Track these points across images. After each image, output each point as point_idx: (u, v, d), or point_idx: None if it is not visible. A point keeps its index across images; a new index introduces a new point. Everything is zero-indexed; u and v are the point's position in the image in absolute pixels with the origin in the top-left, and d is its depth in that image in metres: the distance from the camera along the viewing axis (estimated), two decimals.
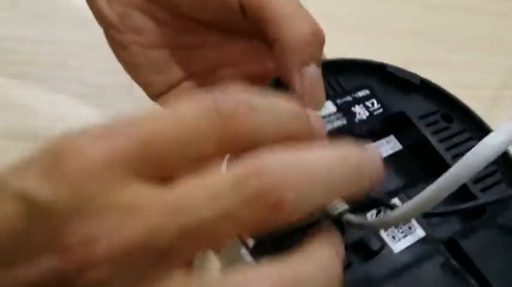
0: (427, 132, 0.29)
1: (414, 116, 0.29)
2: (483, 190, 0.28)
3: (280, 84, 0.27)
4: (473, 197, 0.27)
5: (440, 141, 0.29)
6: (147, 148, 0.16)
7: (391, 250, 0.24)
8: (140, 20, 0.30)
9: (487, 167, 0.29)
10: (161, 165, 0.17)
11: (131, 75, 0.32)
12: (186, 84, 0.32)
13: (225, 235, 0.17)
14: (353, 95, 0.29)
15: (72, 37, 0.45)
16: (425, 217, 0.26)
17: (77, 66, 0.43)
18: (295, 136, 0.19)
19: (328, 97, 0.28)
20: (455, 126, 0.30)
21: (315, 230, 0.19)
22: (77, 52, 0.44)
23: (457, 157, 0.28)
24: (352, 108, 0.28)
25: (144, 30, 0.30)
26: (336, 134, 0.27)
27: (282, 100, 0.19)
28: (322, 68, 0.27)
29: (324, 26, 0.27)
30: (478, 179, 0.28)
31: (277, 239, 0.19)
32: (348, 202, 0.20)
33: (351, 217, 0.20)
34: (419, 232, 0.26)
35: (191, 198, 0.16)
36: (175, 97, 0.32)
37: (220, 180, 0.16)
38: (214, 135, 0.17)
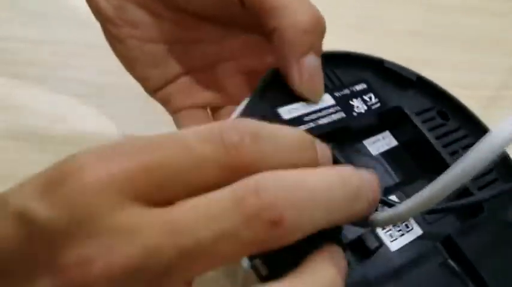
0: (424, 129, 0.29)
1: (411, 112, 0.29)
2: (480, 188, 0.28)
3: (278, 75, 0.27)
4: (470, 195, 0.27)
5: (437, 138, 0.29)
6: (149, 173, 0.16)
7: (388, 249, 0.24)
8: (136, 13, 0.30)
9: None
10: (162, 190, 0.17)
11: (128, 70, 0.31)
12: (184, 79, 0.32)
13: (225, 255, 0.16)
14: (351, 89, 0.28)
15: (72, 37, 0.45)
16: (423, 214, 0.26)
17: (77, 66, 0.43)
18: (300, 166, 0.18)
19: (326, 89, 0.27)
20: (451, 124, 0.30)
21: (317, 248, 0.19)
22: (77, 52, 0.44)
23: (454, 154, 0.28)
24: (350, 102, 0.28)
25: (140, 24, 0.30)
26: (334, 128, 0.26)
27: (289, 129, 0.19)
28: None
29: None
30: (475, 177, 0.28)
31: (280, 255, 0.18)
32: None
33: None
34: (417, 230, 0.26)
35: (190, 218, 0.16)
36: (173, 92, 0.31)
37: (219, 199, 0.16)
38: (218, 165, 0.17)
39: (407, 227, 0.26)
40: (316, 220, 0.17)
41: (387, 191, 0.27)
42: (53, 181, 0.16)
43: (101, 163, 0.16)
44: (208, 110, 0.33)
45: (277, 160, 0.18)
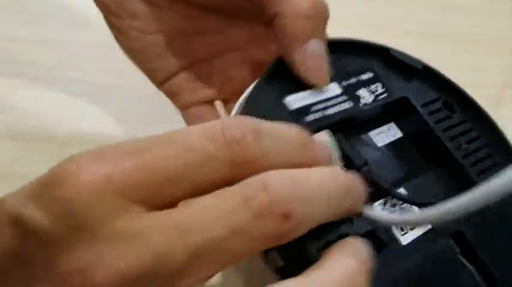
0: (431, 121, 0.28)
1: (418, 103, 0.29)
2: (480, 173, 0.28)
3: (283, 65, 0.26)
4: (471, 181, 0.27)
5: (444, 130, 0.28)
6: (150, 173, 0.16)
7: (399, 242, 0.24)
8: (137, 4, 0.29)
9: (482, 150, 0.29)
10: (164, 191, 0.16)
11: (133, 62, 0.31)
12: (189, 71, 0.31)
13: (237, 253, 0.16)
14: (357, 78, 0.28)
15: (72, 37, 0.45)
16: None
17: (77, 66, 0.43)
18: (300, 164, 0.19)
19: (333, 78, 0.27)
20: (457, 116, 0.30)
21: (338, 242, 0.20)
22: (77, 52, 0.44)
23: (460, 147, 0.28)
24: (357, 91, 0.27)
25: (139, 14, 0.30)
26: (340, 119, 0.26)
27: (288, 128, 0.19)
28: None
29: None
30: (473, 163, 0.28)
31: (295, 247, 0.19)
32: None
33: (379, 213, 0.21)
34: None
35: (200, 219, 0.16)
36: (179, 85, 0.31)
37: (228, 198, 0.16)
38: (221, 163, 0.17)
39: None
40: (319, 214, 0.18)
41: (396, 183, 0.26)
42: (48, 184, 0.16)
43: (99, 164, 0.16)
44: (221, 103, 0.32)
45: (278, 158, 0.18)
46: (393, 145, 0.28)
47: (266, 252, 0.21)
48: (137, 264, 0.15)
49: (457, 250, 0.25)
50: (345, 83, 0.27)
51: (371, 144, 0.28)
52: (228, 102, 0.32)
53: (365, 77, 0.28)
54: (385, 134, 0.28)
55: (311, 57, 0.25)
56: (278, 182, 0.17)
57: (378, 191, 0.25)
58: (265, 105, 0.24)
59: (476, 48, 0.52)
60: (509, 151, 0.29)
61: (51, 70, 0.42)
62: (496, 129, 0.30)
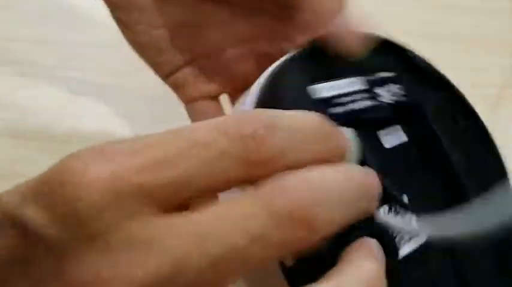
0: (439, 131, 0.28)
1: (429, 111, 0.28)
2: (474, 189, 0.28)
3: (308, 52, 0.25)
4: (461, 185, 0.27)
5: (452, 142, 0.28)
6: (161, 172, 0.15)
7: (397, 254, 0.24)
8: None
9: (479, 164, 0.29)
10: (176, 191, 0.15)
11: (139, 56, 0.31)
12: (195, 65, 0.31)
13: (257, 260, 0.16)
14: (380, 75, 0.27)
15: (72, 37, 0.45)
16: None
17: (77, 66, 0.43)
18: (320, 158, 0.18)
19: (358, 72, 0.26)
20: (460, 127, 0.29)
21: (355, 242, 0.19)
22: (77, 52, 0.44)
23: (460, 160, 0.28)
24: (377, 90, 0.26)
25: (145, 8, 0.29)
26: (360, 116, 0.25)
27: (308, 120, 0.18)
28: None
29: None
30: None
31: (316, 255, 0.18)
32: None
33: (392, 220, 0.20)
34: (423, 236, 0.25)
35: (218, 225, 0.15)
36: (184, 78, 0.31)
37: (246, 202, 0.16)
38: (235, 159, 0.16)
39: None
40: (340, 217, 0.17)
41: (400, 190, 0.26)
42: (51, 183, 0.15)
43: (107, 161, 0.15)
44: (227, 97, 0.32)
45: (296, 153, 0.17)
46: (398, 148, 0.28)
47: None
48: (155, 272, 0.14)
49: (449, 270, 0.25)
50: (368, 79, 0.26)
51: (379, 144, 0.27)
52: (233, 97, 0.32)
53: (387, 75, 0.28)
54: (392, 136, 0.28)
55: (346, 26, 0.25)
56: (298, 185, 0.16)
57: (384, 197, 0.24)
58: (286, 91, 0.24)
59: (476, 48, 0.52)
60: (501, 168, 0.29)
61: (51, 70, 0.42)
62: (494, 148, 0.30)
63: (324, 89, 0.24)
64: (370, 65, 0.27)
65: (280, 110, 0.18)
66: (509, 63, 0.50)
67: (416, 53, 0.30)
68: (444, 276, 0.24)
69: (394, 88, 0.28)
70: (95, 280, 0.14)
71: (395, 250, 0.23)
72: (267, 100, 0.23)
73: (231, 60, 0.31)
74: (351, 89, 0.25)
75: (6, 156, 0.37)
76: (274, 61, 0.26)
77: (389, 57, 0.29)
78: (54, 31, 0.45)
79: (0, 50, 0.43)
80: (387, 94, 0.27)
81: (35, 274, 0.15)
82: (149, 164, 0.15)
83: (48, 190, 0.15)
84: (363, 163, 0.22)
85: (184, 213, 0.15)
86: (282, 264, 0.21)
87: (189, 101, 0.32)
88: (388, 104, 0.27)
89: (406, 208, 0.25)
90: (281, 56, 0.26)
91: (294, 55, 0.25)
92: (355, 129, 0.23)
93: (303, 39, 0.27)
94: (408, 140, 0.28)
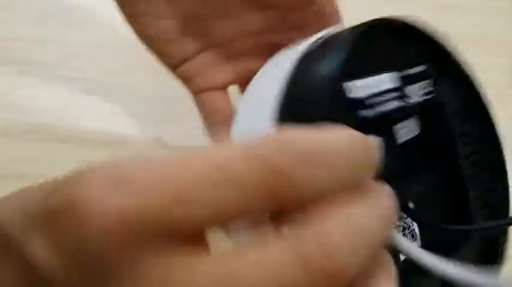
0: (454, 130, 0.27)
1: (450, 109, 0.27)
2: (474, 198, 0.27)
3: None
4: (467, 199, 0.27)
5: (463, 142, 0.28)
6: (178, 203, 0.13)
7: None
8: None
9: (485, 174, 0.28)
10: (200, 226, 0.14)
11: (146, 47, 0.31)
12: (203, 56, 0.31)
13: None
14: (412, 71, 0.25)
15: (72, 37, 0.45)
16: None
17: (77, 66, 0.43)
18: (351, 184, 0.16)
19: (392, 67, 0.24)
20: (475, 131, 0.29)
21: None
22: (77, 52, 0.44)
23: (468, 166, 0.27)
24: (408, 87, 0.25)
25: (153, 0, 0.29)
26: (387, 118, 0.24)
27: (346, 142, 0.16)
28: (378, 28, 0.24)
29: None
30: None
31: None
32: None
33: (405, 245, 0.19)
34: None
35: (247, 274, 0.14)
36: (193, 70, 0.31)
37: (280, 253, 0.14)
38: (262, 193, 0.14)
39: (413, 237, 0.25)
40: (368, 260, 0.16)
41: (406, 197, 0.25)
42: (59, 212, 0.13)
43: (124, 193, 0.13)
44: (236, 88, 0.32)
45: (329, 183, 0.15)
46: (409, 144, 0.27)
47: None
48: None
49: None
50: (401, 75, 0.25)
51: (392, 140, 0.26)
52: (243, 88, 0.32)
53: (418, 70, 0.26)
54: (407, 129, 0.27)
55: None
56: (335, 239, 0.14)
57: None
58: (320, 85, 0.22)
59: (476, 48, 0.52)
60: (503, 180, 0.29)
61: (51, 70, 0.42)
62: (501, 154, 0.29)
63: (359, 88, 0.23)
64: (404, 56, 0.26)
65: (314, 134, 0.15)
66: (509, 63, 0.50)
67: (445, 41, 0.28)
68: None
69: (423, 85, 0.26)
70: None
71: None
72: (296, 94, 0.22)
73: (240, 51, 0.31)
74: (383, 88, 0.24)
75: (6, 156, 0.37)
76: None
77: (421, 47, 0.27)
78: (54, 31, 0.45)
79: (0, 50, 0.43)
80: (416, 92, 0.25)
81: None
82: (173, 195, 0.13)
83: (56, 220, 0.13)
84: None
85: (207, 255, 0.14)
86: None
87: (197, 93, 0.32)
88: (414, 104, 0.25)
89: (417, 220, 0.24)
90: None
91: (324, 41, 0.23)
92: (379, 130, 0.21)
93: (314, 29, 0.26)
94: (420, 134, 0.27)
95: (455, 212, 0.27)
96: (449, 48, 0.28)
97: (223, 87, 0.32)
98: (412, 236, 0.25)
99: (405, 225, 0.25)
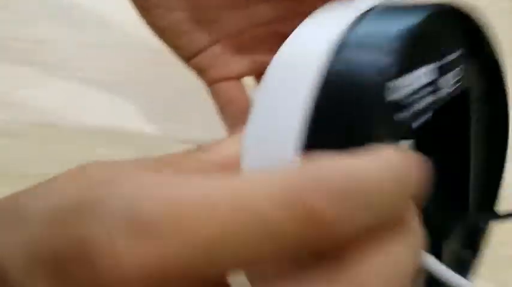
0: (472, 119, 0.25)
1: (472, 98, 0.25)
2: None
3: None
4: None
5: (476, 134, 0.26)
6: (207, 259, 0.12)
7: None
8: None
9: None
10: (219, 275, 0.13)
11: (159, 39, 0.31)
12: (216, 47, 0.31)
13: None
14: (446, 59, 0.22)
15: (72, 37, 0.45)
16: None
17: (77, 66, 0.43)
18: (392, 219, 0.15)
19: (430, 59, 0.21)
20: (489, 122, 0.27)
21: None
22: (77, 52, 0.44)
23: (477, 156, 0.27)
24: (442, 78, 0.22)
25: None
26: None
27: (387, 166, 0.14)
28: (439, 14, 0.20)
29: None
30: None
31: None
32: None
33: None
34: None
35: None
36: (206, 61, 0.31)
37: None
38: (296, 236, 0.13)
39: None
40: None
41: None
42: (66, 256, 0.12)
43: (139, 237, 0.11)
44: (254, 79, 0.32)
45: (368, 221, 0.14)
46: (423, 128, 0.25)
47: None
48: None
49: None
50: (439, 65, 0.22)
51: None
52: (258, 78, 0.31)
53: (454, 57, 0.23)
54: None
55: None
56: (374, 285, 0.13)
57: None
58: (361, 87, 0.17)
59: None
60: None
61: (51, 70, 0.42)
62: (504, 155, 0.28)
63: (400, 88, 0.19)
64: (445, 43, 0.23)
65: (354, 165, 0.14)
66: (509, 63, 0.50)
67: (481, 21, 0.25)
68: None
69: (456, 72, 0.24)
70: None
71: None
72: (332, 104, 0.17)
73: (252, 42, 0.31)
74: (420, 84, 0.21)
75: (6, 156, 0.37)
76: None
77: (459, 30, 0.24)
78: (54, 31, 0.45)
79: (0, 50, 0.43)
80: (448, 81, 0.23)
81: None
82: (203, 252, 0.12)
83: (65, 268, 0.12)
84: None
85: None
86: None
87: (211, 83, 0.32)
88: (444, 95, 0.23)
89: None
90: None
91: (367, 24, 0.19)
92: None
93: None
94: (433, 119, 0.24)
95: (452, 198, 0.27)
96: (483, 29, 0.25)
97: (237, 78, 0.32)
98: None
99: None
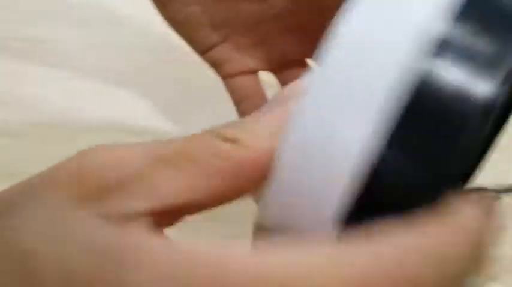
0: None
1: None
2: None
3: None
4: None
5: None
6: None
7: None
8: None
9: None
10: None
11: (175, 32, 0.31)
12: (232, 40, 0.31)
13: None
14: None
15: (72, 37, 0.45)
16: None
17: (77, 66, 0.43)
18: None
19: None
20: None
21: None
22: (77, 52, 0.44)
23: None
24: None
25: None
26: None
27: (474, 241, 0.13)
28: None
29: None
30: None
31: None
32: None
33: None
34: None
35: None
36: (222, 55, 0.31)
37: None
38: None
39: None
40: None
41: None
42: None
43: None
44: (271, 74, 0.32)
45: (432, 275, 0.13)
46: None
47: None
48: None
49: None
50: None
51: None
52: (276, 73, 0.31)
53: None
54: None
55: None
56: None
57: None
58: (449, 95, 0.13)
59: None
60: None
61: (51, 70, 0.42)
62: None
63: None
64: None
65: (427, 244, 0.13)
66: None
67: None
68: None
69: None
70: None
71: None
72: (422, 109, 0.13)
73: (267, 35, 0.31)
74: None
75: (6, 156, 0.37)
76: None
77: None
78: (54, 31, 0.45)
79: (0, 50, 0.43)
80: None
81: None
82: None
83: None
84: None
85: None
86: None
87: (226, 77, 0.32)
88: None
89: None
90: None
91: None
92: None
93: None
94: None
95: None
96: None
97: (253, 72, 0.32)
98: None
99: None
